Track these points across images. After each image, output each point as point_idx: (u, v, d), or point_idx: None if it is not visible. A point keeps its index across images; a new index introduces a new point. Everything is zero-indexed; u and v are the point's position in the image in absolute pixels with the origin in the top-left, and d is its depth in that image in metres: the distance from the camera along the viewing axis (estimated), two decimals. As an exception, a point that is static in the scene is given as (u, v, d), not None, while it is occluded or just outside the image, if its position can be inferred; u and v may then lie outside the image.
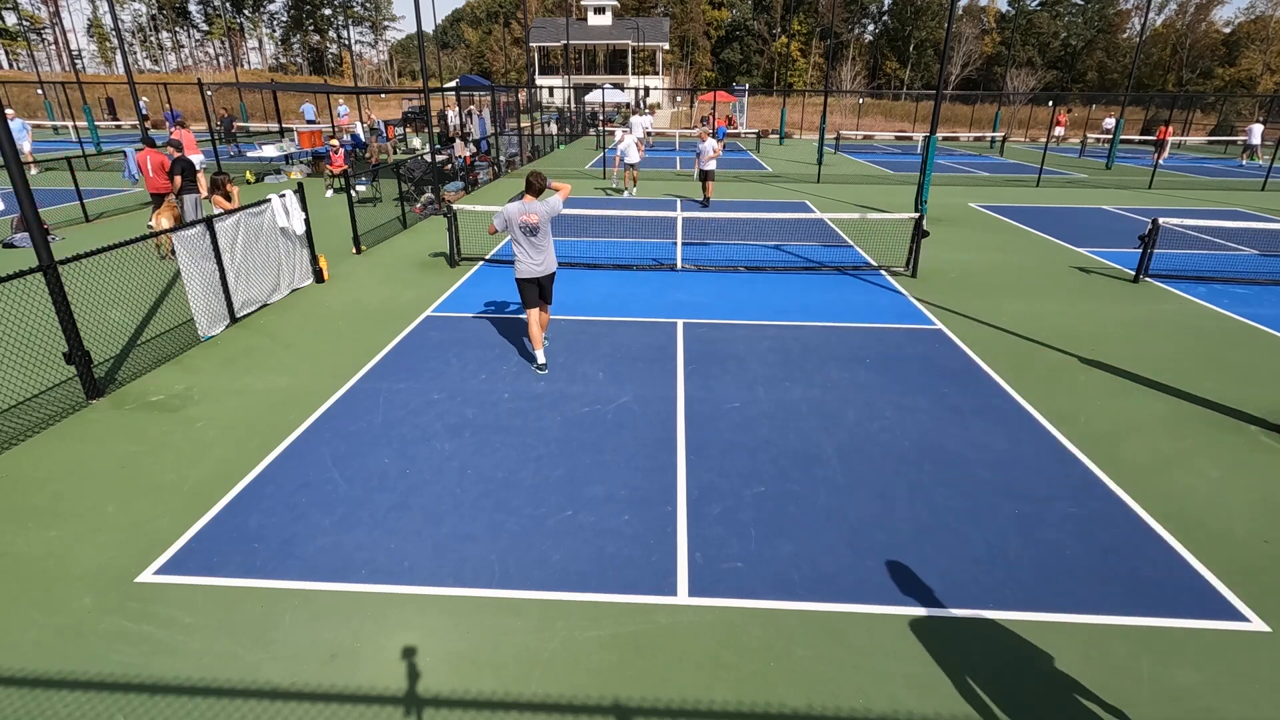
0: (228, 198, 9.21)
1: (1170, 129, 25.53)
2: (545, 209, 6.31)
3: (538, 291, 6.54)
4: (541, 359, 6.64)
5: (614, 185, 18.31)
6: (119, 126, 36.21)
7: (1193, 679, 3.24)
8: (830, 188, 19.54)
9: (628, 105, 46.30)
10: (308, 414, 5.70)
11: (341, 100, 39.04)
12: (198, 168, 10.84)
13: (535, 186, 6.28)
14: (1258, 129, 27.29)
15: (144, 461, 4.99)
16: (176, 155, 10.83)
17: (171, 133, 16.10)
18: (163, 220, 9.97)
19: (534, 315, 6.59)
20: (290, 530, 4.21)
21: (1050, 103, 44.22)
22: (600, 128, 31.50)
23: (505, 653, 3.35)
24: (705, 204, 16.07)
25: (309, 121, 31.41)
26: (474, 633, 3.47)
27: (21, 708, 3.01)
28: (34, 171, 19.47)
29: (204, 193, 10.76)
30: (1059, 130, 34.51)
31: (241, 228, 7.91)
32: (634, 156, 17.36)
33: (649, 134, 23.57)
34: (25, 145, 19.81)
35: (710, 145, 15.34)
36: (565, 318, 8.11)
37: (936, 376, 6.63)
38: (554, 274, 6.58)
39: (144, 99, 32.59)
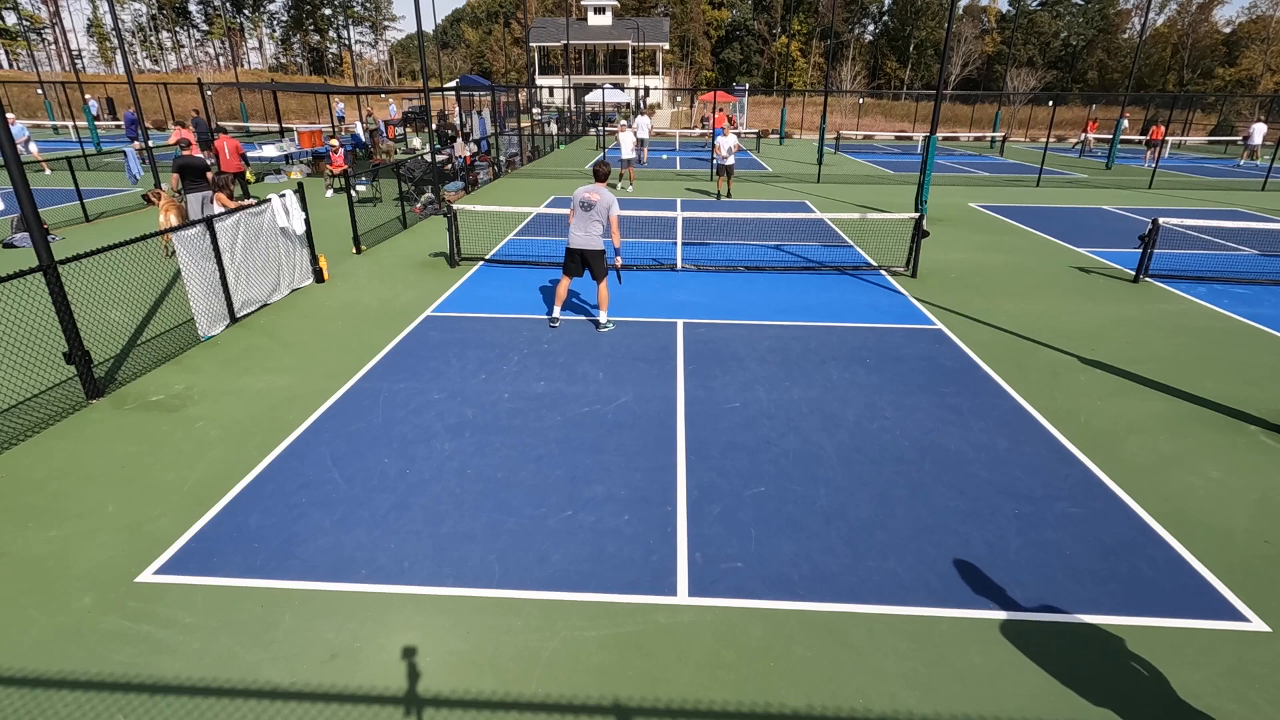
0: (231, 196, 9.24)
1: (1161, 129, 25.33)
2: (608, 197, 7.28)
3: (578, 263, 7.53)
4: (556, 314, 7.82)
5: (628, 188, 18.41)
6: (119, 126, 36.19)
7: (1193, 679, 3.24)
8: (830, 188, 19.54)
9: (628, 105, 46.31)
10: (308, 414, 5.70)
11: (390, 100, 39.35)
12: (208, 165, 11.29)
13: (600, 173, 7.48)
14: (1259, 129, 26.79)
15: (144, 461, 4.99)
16: (186, 153, 11.04)
17: (174, 132, 16.24)
18: (171, 218, 9.94)
19: (564, 282, 7.74)
20: (290, 530, 4.21)
21: (1050, 103, 44.19)
22: (601, 128, 31.51)
23: (505, 653, 3.35)
24: (717, 198, 17.13)
25: (339, 119, 31.60)
26: (474, 633, 3.47)
27: (21, 708, 3.01)
28: (47, 172, 19.47)
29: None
30: (1088, 135, 32.59)
31: (241, 228, 7.91)
32: (629, 153, 17.97)
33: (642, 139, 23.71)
34: (33, 148, 19.81)
35: (725, 142, 16.43)
36: (566, 317, 8.11)
37: (936, 376, 6.63)
38: (594, 252, 7.41)
39: (90, 96, 33.26)
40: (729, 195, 17.26)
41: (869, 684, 3.21)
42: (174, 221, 9.97)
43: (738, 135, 36.24)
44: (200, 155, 11.35)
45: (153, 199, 10.09)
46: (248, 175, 17.73)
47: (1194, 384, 6.53)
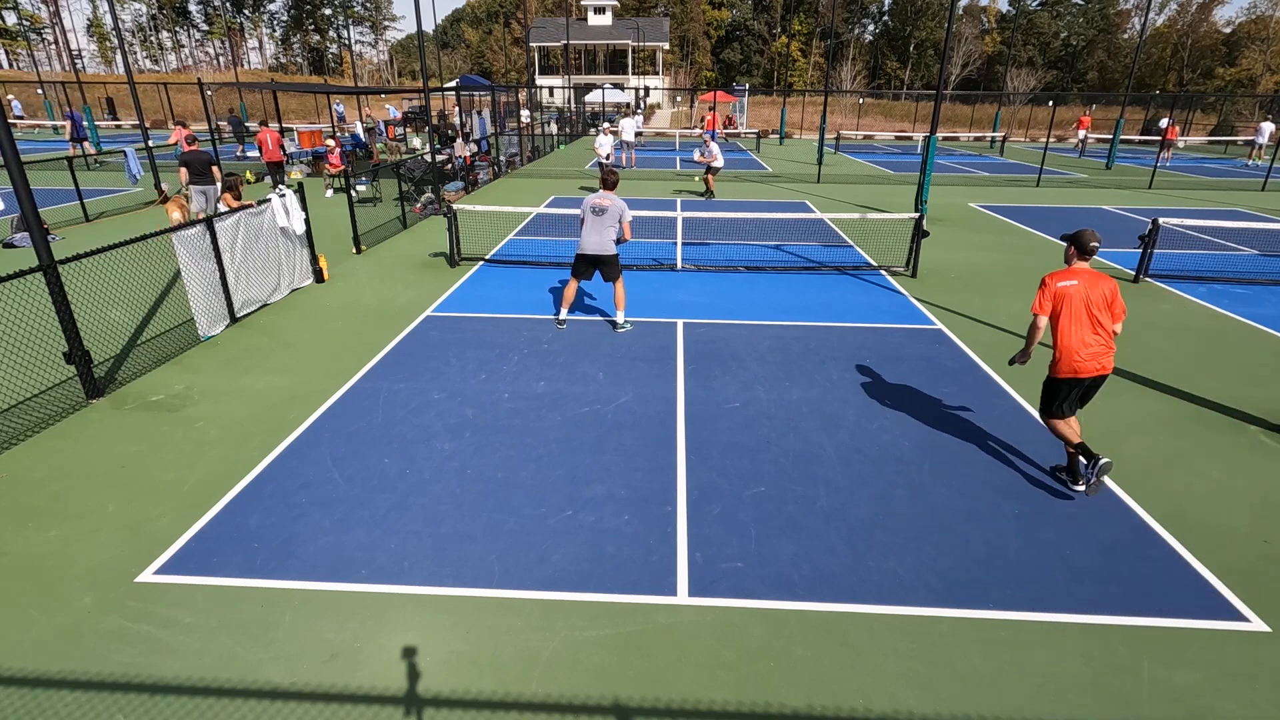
0: (237, 197, 9.30)
1: (1176, 129, 25.21)
2: (620, 203, 7.36)
3: (588, 267, 7.55)
4: (564, 315, 7.87)
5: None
6: (119, 126, 36.22)
7: (1193, 679, 3.24)
8: (830, 188, 19.54)
9: (628, 105, 46.31)
10: (308, 414, 5.70)
11: (389, 103, 39.47)
12: (213, 161, 11.79)
13: (609, 181, 7.47)
14: (1267, 127, 26.48)
15: (144, 461, 4.99)
16: (188, 149, 11.56)
17: (174, 131, 16.32)
18: (174, 213, 10.26)
19: (572, 284, 7.72)
20: (290, 530, 4.21)
21: (1050, 103, 44.18)
22: (601, 128, 31.55)
23: (505, 653, 3.35)
24: (706, 196, 17.04)
25: (339, 118, 31.55)
26: (474, 633, 3.47)
27: (21, 708, 3.01)
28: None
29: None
30: (1081, 133, 32.85)
31: (241, 227, 7.91)
32: (605, 155, 17.74)
33: (638, 134, 23.33)
34: None
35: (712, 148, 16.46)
36: (565, 317, 8.10)
37: (936, 376, 6.63)
38: (608, 256, 7.44)
39: (12, 97, 33.64)
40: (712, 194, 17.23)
41: (869, 684, 3.21)
42: (178, 217, 10.68)
43: (738, 135, 36.26)
44: (204, 151, 11.75)
45: (172, 206, 10.40)
46: (243, 173, 17.98)
47: (1194, 384, 6.53)
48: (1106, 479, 4.89)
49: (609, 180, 7.45)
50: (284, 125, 28.66)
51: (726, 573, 3.90)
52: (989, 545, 4.16)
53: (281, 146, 16.49)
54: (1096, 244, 4.66)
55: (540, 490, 4.67)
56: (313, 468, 4.90)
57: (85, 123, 23.34)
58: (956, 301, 9.01)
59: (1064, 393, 4.62)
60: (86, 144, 21.72)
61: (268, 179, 18.74)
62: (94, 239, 11.28)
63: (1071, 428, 4.65)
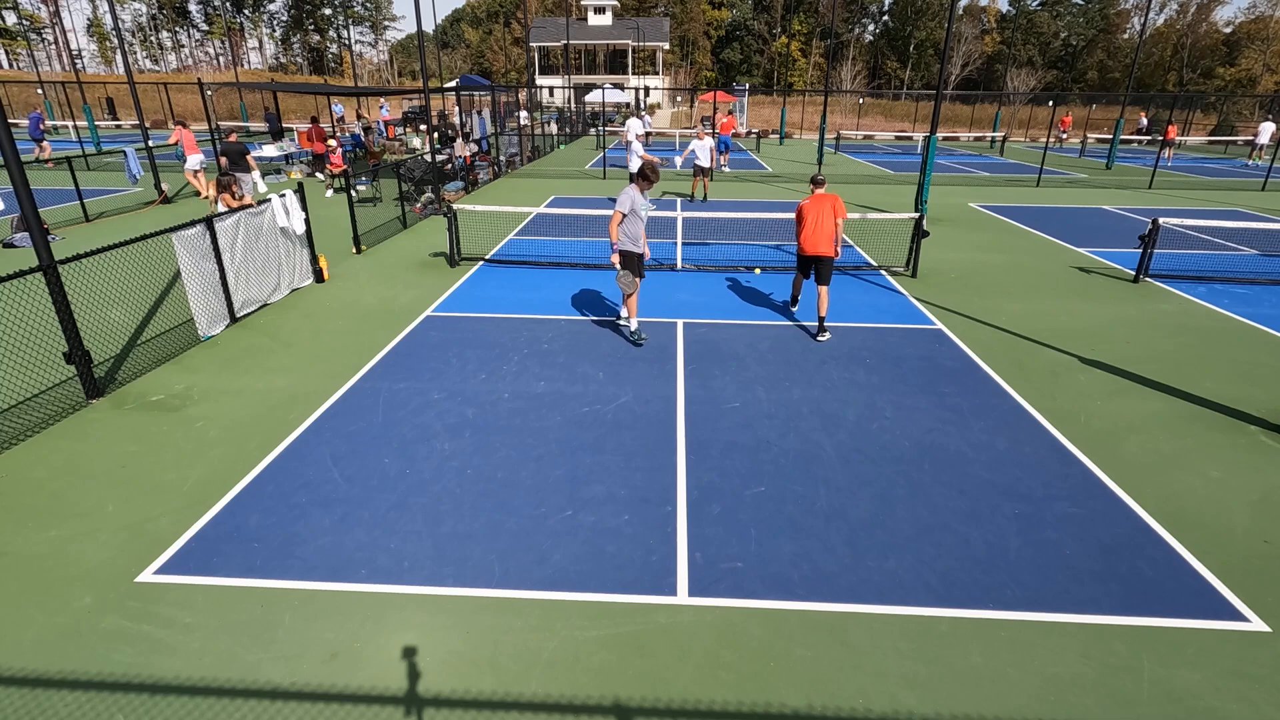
0: (235, 196, 9.36)
1: (1175, 128, 25.27)
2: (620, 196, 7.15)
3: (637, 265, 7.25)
4: (634, 325, 7.32)
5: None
6: (119, 126, 36.23)
7: (1193, 679, 3.24)
8: (830, 188, 19.49)
9: (627, 105, 46.28)
10: (308, 414, 5.70)
11: (388, 101, 39.54)
12: (248, 151, 13.82)
13: (652, 180, 6.99)
14: (1268, 128, 26.50)
15: (144, 461, 4.99)
16: (232, 139, 13.56)
17: (174, 132, 16.30)
18: (212, 190, 12.08)
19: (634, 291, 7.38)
20: (290, 530, 4.21)
21: (1050, 103, 44.22)
22: (601, 128, 31.53)
23: (505, 653, 3.35)
24: (690, 199, 16.81)
25: (339, 119, 31.44)
26: (474, 633, 3.47)
27: (21, 708, 3.01)
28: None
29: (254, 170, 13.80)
30: (1061, 134, 33.65)
31: (242, 227, 7.91)
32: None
33: (648, 133, 23.02)
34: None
35: (704, 144, 16.36)
36: (566, 318, 8.11)
37: (936, 376, 6.63)
38: (626, 254, 7.18)
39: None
40: (704, 198, 16.77)
41: (869, 684, 3.21)
42: (213, 194, 12.13)
43: (735, 135, 36.16)
44: (240, 143, 13.65)
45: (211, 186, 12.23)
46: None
47: (1194, 384, 6.53)
48: (1106, 478, 4.91)
49: (651, 179, 6.90)
50: (285, 126, 28.69)
51: (726, 573, 3.90)
52: (989, 545, 4.16)
53: (323, 140, 18.45)
54: (821, 179, 7.82)
55: (540, 490, 4.67)
56: (313, 468, 4.90)
57: (45, 122, 22.83)
58: (956, 301, 9.01)
59: (802, 263, 7.91)
60: (46, 145, 21.38)
61: (267, 179, 18.92)
62: (94, 239, 11.28)
63: (799, 284, 8.30)
